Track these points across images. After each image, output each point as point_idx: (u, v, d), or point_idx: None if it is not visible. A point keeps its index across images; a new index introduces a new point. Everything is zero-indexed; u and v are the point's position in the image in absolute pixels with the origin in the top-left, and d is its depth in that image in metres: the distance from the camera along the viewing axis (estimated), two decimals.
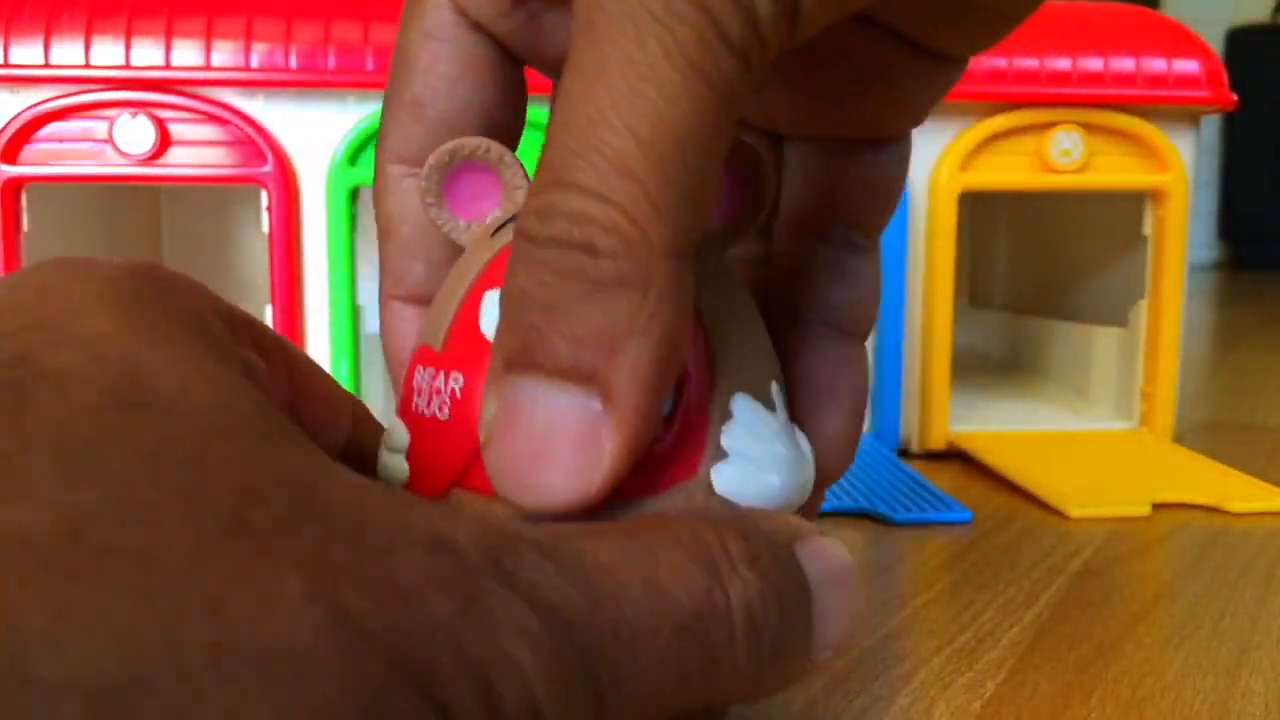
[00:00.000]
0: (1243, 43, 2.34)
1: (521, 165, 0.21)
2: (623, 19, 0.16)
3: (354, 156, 0.52)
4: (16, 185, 0.50)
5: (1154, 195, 0.57)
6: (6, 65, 0.49)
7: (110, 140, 0.50)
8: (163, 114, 0.50)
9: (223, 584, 0.13)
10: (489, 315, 0.19)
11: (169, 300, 0.19)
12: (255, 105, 0.51)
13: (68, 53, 0.49)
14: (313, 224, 0.53)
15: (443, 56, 0.22)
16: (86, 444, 0.14)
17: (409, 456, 0.20)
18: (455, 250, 0.22)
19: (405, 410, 0.21)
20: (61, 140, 0.50)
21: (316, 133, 0.52)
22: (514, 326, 0.17)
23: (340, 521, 0.14)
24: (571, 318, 0.16)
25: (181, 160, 0.51)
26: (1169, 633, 0.34)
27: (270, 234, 0.52)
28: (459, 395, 0.20)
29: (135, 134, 0.50)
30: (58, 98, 0.50)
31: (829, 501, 0.46)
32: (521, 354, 0.17)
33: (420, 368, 0.21)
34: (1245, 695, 0.29)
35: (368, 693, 0.12)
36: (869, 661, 0.31)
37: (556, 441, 0.17)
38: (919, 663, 0.31)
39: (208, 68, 0.50)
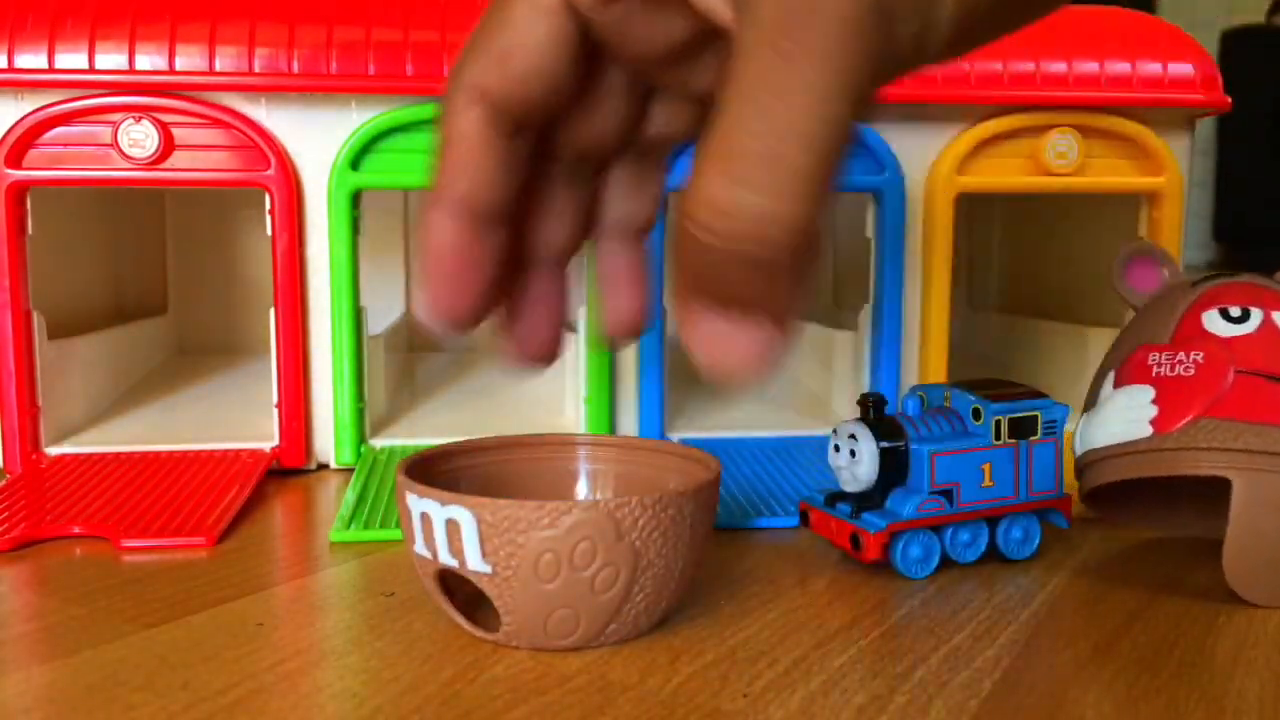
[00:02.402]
0: (1238, 44, 2.34)
1: (1168, 255, 0.44)
2: (759, 48, 0.21)
3: (356, 160, 0.52)
4: (21, 189, 0.50)
5: (1149, 197, 0.58)
6: (11, 70, 0.49)
7: (115, 144, 0.50)
8: (166, 118, 0.51)
9: None
10: (1210, 323, 0.38)
11: None
12: (258, 109, 0.52)
13: (72, 58, 0.50)
14: (315, 226, 0.53)
15: (537, 22, 0.27)
16: None
17: (1156, 401, 0.37)
18: (496, 180, 0.28)
19: (1142, 377, 0.38)
20: (66, 144, 0.50)
21: (319, 136, 0.52)
22: (686, 272, 0.23)
23: None
24: (736, 274, 0.23)
25: (185, 164, 0.51)
26: (1164, 631, 0.34)
27: (273, 236, 0.52)
28: (1201, 361, 0.37)
29: (139, 138, 0.50)
30: (62, 102, 0.50)
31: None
32: (695, 291, 0.23)
33: (1154, 353, 0.39)
34: (1240, 694, 0.30)
35: None
36: (867, 660, 0.32)
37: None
38: (917, 661, 0.32)
39: (211, 72, 0.50)
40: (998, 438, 0.39)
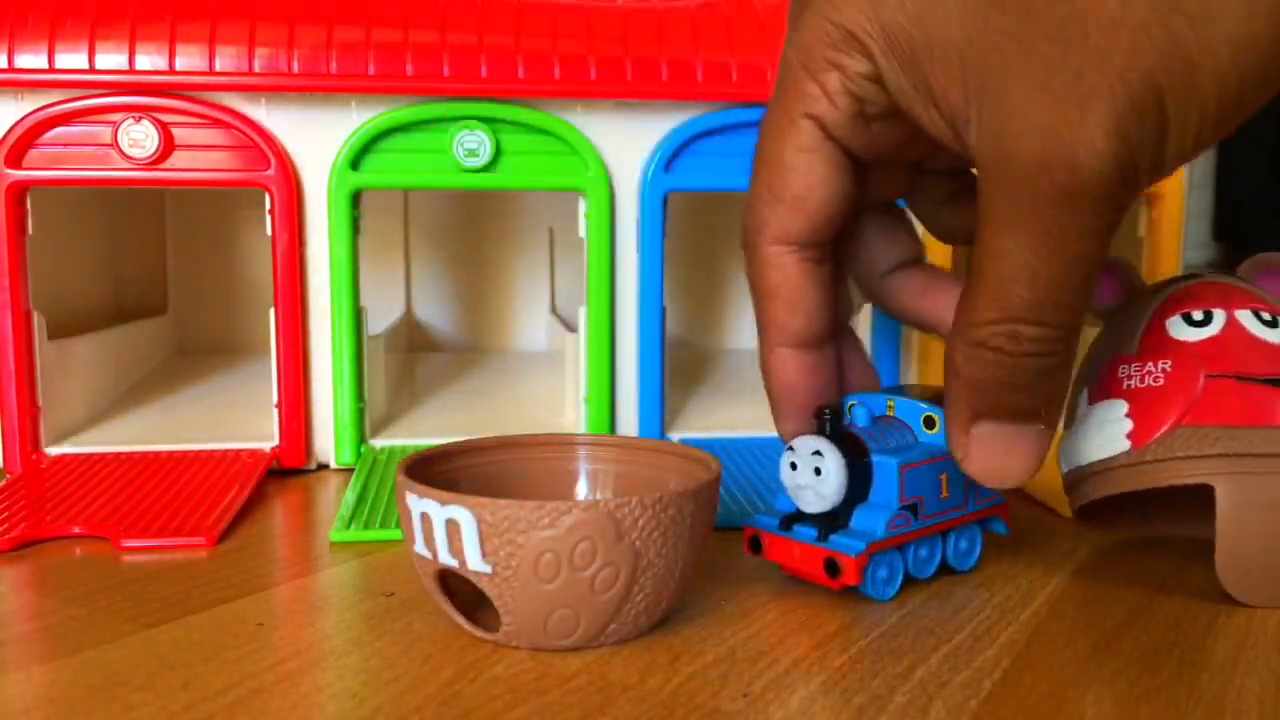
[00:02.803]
0: None
1: (1127, 264, 0.41)
2: (1033, 214, 0.27)
3: (355, 160, 0.52)
4: (21, 189, 0.50)
5: (1149, 197, 0.58)
6: (11, 70, 0.49)
7: (115, 144, 0.50)
8: (166, 118, 0.51)
9: None
10: (1174, 329, 0.38)
11: None
12: (258, 109, 0.52)
13: (72, 58, 0.50)
14: (315, 226, 0.53)
15: (815, 163, 0.31)
16: None
17: (1130, 415, 0.37)
18: (821, 305, 0.35)
19: (1114, 391, 0.38)
20: (66, 144, 0.50)
21: (319, 136, 0.52)
22: (981, 394, 0.31)
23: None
24: (1035, 388, 0.30)
25: (185, 164, 0.51)
26: (1164, 630, 0.34)
27: (273, 237, 0.52)
28: (1169, 370, 0.37)
29: (139, 138, 0.50)
30: (62, 102, 0.50)
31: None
32: (987, 410, 0.31)
33: (1123, 365, 0.38)
34: (1240, 694, 0.30)
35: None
36: (866, 660, 0.32)
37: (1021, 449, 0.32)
38: (917, 661, 0.32)
39: (211, 72, 0.50)
40: None
